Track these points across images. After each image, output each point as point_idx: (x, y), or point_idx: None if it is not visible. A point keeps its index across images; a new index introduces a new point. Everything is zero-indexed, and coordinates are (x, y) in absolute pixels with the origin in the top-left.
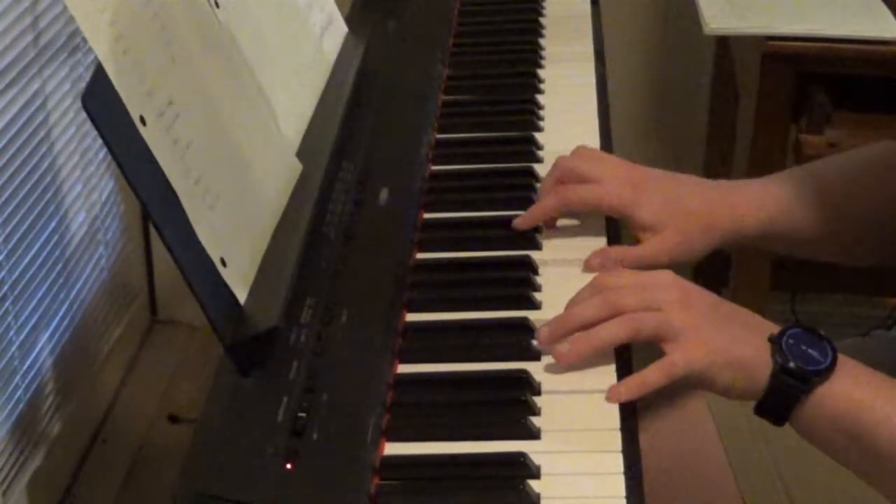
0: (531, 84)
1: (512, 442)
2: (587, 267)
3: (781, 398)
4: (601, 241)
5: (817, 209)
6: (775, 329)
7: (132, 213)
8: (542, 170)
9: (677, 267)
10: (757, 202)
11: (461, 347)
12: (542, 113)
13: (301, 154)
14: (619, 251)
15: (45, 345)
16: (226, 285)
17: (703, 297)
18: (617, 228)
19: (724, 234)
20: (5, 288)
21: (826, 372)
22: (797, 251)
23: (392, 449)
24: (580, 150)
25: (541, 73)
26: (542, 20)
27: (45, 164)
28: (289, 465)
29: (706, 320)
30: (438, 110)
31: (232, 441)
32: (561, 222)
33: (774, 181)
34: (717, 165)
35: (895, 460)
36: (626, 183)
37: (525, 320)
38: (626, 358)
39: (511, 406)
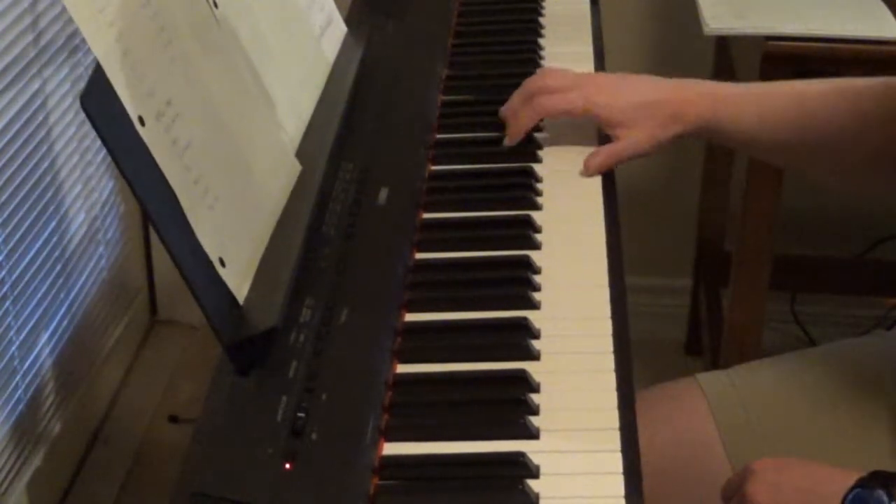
0: None
1: (511, 442)
2: (589, 169)
3: None
4: (601, 242)
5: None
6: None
7: (132, 213)
8: (541, 170)
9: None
10: (711, 97)
11: (461, 347)
12: None
13: (301, 154)
14: (605, 148)
15: (45, 345)
16: (225, 285)
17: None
18: (618, 231)
19: (685, 125)
20: (5, 288)
21: None
22: (745, 148)
23: (391, 449)
24: (546, 70)
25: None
26: (542, 20)
27: (45, 164)
28: (288, 466)
29: None
30: (438, 110)
31: (231, 441)
32: (561, 222)
33: (732, 83)
34: (717, 165)
35: None
36: (592, 88)
37: (525, 320)
38: (627, 360)
39: (510, 406)
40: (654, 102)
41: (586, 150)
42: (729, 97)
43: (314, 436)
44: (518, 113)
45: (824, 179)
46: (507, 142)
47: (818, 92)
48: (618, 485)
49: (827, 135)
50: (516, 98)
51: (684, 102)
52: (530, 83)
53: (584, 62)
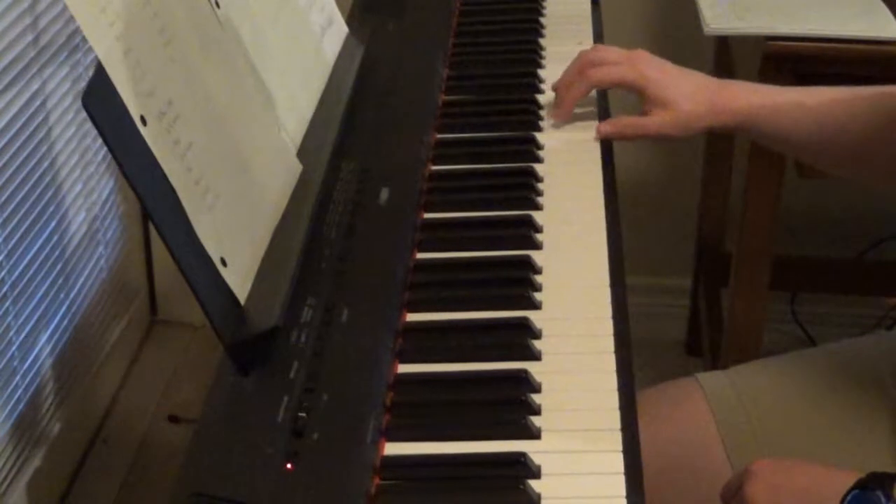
0: (531, 84)
1: (512, 442)
2: (599, 132)
3: None
4: (602, 242)
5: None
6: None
7: (132, 213)
8: (542, 170)
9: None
10: (747, 93)
11: (461, 347)
12: (542, 113)
13: (301, 154)
14: (630, 119)
15: (45, 345)
16: (226, 285)
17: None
18: (619, 231)
19: (719, 118)
20: (5, 288)
21: None
22: (781, 147)
23: (392, 449)
24: (599, 46)
25: (541, 73)
26: (542, 20)
27: (45, 164)
28: (289, 466)
29: None
30: (438, 110)
31: (232, 441)
32: (562, 222)
33: (772, 86)
34: (717, 165)
35: None
36: (643, 64)
37: (525, 320)
38: (628, 361)
39: (511, 406)
40: (697, 90)
41: (587, 151)
42: (769, 99)
43: (315, 436)
44: (571, 85)
45: (862, 180)
46: (555, 113)
47: (856, 98)
48: (619, 485)
49: (863, 141)
50: (570, 70)
51: (725, 98)
52: (583, 56)
53: None
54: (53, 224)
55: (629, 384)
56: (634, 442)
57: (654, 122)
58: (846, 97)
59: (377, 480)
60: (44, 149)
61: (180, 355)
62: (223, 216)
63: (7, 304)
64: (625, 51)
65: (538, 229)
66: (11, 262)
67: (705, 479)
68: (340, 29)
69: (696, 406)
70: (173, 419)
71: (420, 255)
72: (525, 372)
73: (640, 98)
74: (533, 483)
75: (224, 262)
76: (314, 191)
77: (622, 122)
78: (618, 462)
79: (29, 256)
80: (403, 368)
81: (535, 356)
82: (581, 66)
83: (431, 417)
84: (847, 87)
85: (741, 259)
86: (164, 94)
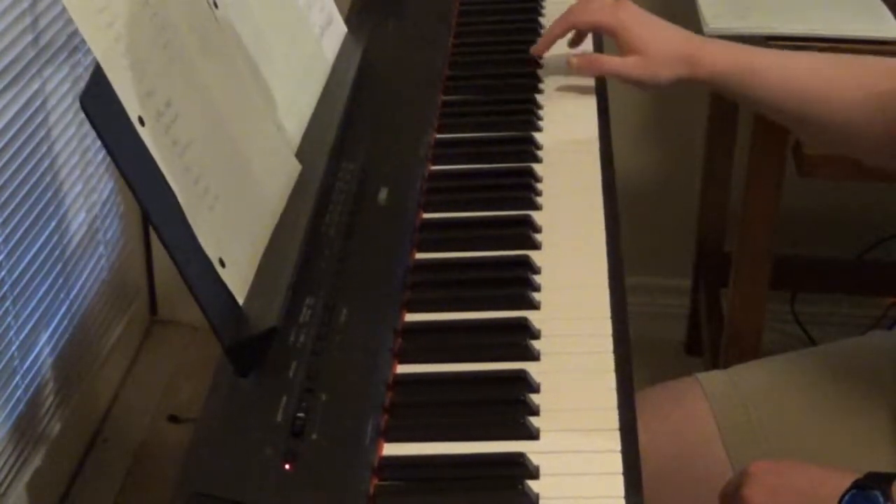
0: (531, 84)
1: (511, 442)
2: (569, 65)
3: None
4: (601, 242)
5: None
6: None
7: (132, 213)
8: (541, 170)
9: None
10: (728, 51)
11: (460, 348)
12: (541, 113)
13: (300, 154)
14: (600, 56)
15: (45, 345)
16: (225, 286)
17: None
18: (618, 231)
19: (694, 70)
20: (5, 288)
21: None
22: (754, 108)
23: (391, 449)
24: None
25: (540, 73)
26: (542, 20)
27: (45, 164)
28: (288, 466)
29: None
30: (438, 110)
31: (231, 441)
32: (561, 222)
33: (754, 48)
34: (717, 165)
35: None
36: (623, 13)
37: (524, 320)
38: (627, 361)
39: (510, 406)
40: (675, 40)
41: (587, 151)
42: (747, 60)
43: (314, 436)
44: (553, 25)
45: (845, 152)
46: (533, 49)
47: (837, 64)
48: (618, 485)
49: (842, 111)
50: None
51: (705, 53)
52: (571, 6)
53: None
54: (53, 224)
55: (628, 384)
56: (633, 442)
57: (621, 61)
58: (829, 68)
59: (376, 481)
60: (44, 149)
61: (180, 355)
62: (222, 216)
63: (7, 304)
64: (611, 0)
65: (537, 229)
66: (11, 262)
67: (705, 478)
68: (339, 29)
69: (696, 406)
70: (173, 419)
71: (419, 255)
72: (524, 372)
73: (616, 44)
74: (531, 483)
75: (223, 263)
76: (313, 190)
77: (590, 57)
78: (616, 462)
79: (29, 256)
80: (402, 369)
81: (533, 356)
82: (566, 12)
83: (430, 418)
84: (830, 55)
85: (741, 259)
86: (162, 95)
